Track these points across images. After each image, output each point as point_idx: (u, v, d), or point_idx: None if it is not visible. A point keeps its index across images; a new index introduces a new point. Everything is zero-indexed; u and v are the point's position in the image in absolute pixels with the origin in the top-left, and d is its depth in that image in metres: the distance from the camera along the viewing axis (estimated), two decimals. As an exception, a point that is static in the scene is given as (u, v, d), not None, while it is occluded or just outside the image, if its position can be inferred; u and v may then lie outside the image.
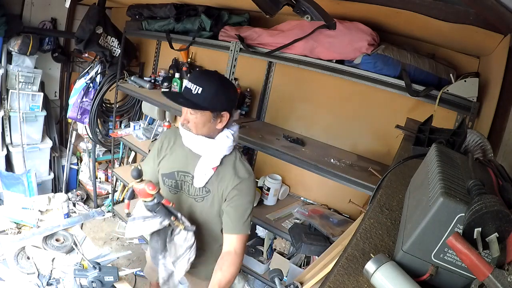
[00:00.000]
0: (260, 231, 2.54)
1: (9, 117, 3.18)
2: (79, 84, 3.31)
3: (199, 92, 1.25)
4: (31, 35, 3.06)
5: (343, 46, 1.76)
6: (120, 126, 3.47)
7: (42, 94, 3.29)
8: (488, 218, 0.48)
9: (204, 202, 1.43)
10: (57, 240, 1.81)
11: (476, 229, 0.49)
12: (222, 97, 1.30)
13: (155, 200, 1.27)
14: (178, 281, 1.41)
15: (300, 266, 2.14)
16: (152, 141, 2.98)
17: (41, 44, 3.25)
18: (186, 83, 1.31)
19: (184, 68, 2.85)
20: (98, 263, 1.58)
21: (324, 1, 1.27)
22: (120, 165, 3.62)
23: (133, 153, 3.62)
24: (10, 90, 3.13)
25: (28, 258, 1.66)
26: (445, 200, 0.53)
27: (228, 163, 1.39)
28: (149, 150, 1.52)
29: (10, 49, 3.03)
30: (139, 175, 1.24)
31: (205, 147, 1.36)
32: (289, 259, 2.23)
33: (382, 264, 0.57)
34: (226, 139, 1.36)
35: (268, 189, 2.34)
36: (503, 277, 0.46)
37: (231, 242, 1.38)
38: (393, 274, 0.56)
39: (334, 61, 1.83)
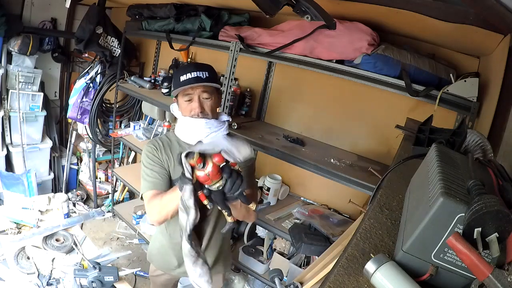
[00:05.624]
0: (260, 231, 2.54)
1: (9, 117, 3.18)
2: (79, 84, 3.31)
3: (208, 75, 1.33)
4: (31, 35, 3.06)
5: (343, 46, 1.76)
6: (120, 126, 3.47)
7: (42, 94, 3.29)
8: (488, 218, 0.48)
9: None
10: (57, 240, 1.81)
11: (476, 229, 0.49)
12: (217, 75, 1.44)
13: (223, 180, 0.97)
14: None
15: (300, 266, 2.14)
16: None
17: (41, 44, 3.25)
18: (189, 73, 1.32)
19: (184, 68, 2.85)
20: (98, 263, 1.58)
21: (324, 1, 1.27)
22: (120, 165, 3.62)
23: (133, 153, 3.62)
24: (10, 90, 3.13)
25: (28, 258, 1.66)
26: (445, 200, 0.53)
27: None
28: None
29: (10, 49, 3.03)
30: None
31: (216, 129, 1.38)
32: (289, 259, 2.23)
33: (382, 264, 0.57)
34: (226, 117, 1.45)
35: (268, 189, 2.34)
36: (503, 277, 0.46)
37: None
38: (393, 274, 0.56)
39: (334, 61, 1.82)
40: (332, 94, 2.31)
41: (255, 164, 1.54)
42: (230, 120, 1.52)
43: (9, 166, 3.30)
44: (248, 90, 2.60)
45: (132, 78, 3.06)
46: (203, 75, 1.32)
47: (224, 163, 0.96)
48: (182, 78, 1.32)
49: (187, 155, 0.96)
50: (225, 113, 2.19)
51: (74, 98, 3.31)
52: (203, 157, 0.95)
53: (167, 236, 1.52)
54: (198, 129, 1.35)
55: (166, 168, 1.38)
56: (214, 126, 1.36)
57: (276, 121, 2.58)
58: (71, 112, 3.33)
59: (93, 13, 2.92)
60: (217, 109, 1.45)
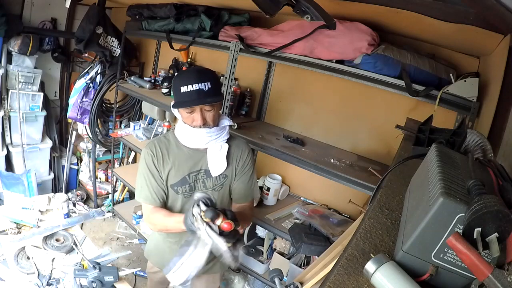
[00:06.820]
0: (260, 231, 2.54)
1: (9, 117, 3.17)
2: (79, 84, 3.31)
3: (210, 86, 1.30)
4: (31, 35, 3.06)
5: (343, 46, 1.76)
6: (120, 126, 3.47)
7: (42, 94, 3.29)
8: (488, 218, 0.48)
9: (224, 188, 1.48)
10: (57, 240, 1.81)
11: (476, 229, 0.49)
12: (220, 83, 1.42)
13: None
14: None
15: (300, 266, 2.14)
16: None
17: (41, 44, 3.25)
18: (190, 85, 1.29)
19: (184, 68, 2.85)
20: (98, 263, 1.58)
21: (324, 1, 1.27)
22: (120, 165, 3.62)
23: (133, 153, 3.62)
24: (10, 90, 3.13)
25: (28, 258, 1.66)
26: (445, 200, 0.53)
27: (229, 142, 1.45)
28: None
29: (10, 49, 3.03)
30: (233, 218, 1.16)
31: (217, 136, 1.39)
32: (289, 259, 2.23)
33: (382, 264, 0.57)
34: (227, 121, 1.44)
35: (268, 189, 2.34)
36: (503, 277, 0.46)
37: (246, 205, 1.52)
38: (393, 274, 0.56)
39: (334, 61, 1.82)
40: (332, 94, 2.31)
41: (254, 167, 1.53)
42: (232, 124, 1.52)
43: (9, 166, 3.30)
44: (248, 90, 2.60)
45: (132, 78, 3.06)
46: (205, 86, 1.29)
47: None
48: (183, 89, 1.28)
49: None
50: (225, 113, 2.19)
51: (74, 98, 3.31)
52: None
53: (163, 234, 1.55)
54: (199, 138, 1.37)
55: (162, 176, 1.41)
56: (215, 134, 1.38)
57: (276, 121, 2.57)
58: (71, 112, 3.33)
59: (93, 13, 2.92)
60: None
